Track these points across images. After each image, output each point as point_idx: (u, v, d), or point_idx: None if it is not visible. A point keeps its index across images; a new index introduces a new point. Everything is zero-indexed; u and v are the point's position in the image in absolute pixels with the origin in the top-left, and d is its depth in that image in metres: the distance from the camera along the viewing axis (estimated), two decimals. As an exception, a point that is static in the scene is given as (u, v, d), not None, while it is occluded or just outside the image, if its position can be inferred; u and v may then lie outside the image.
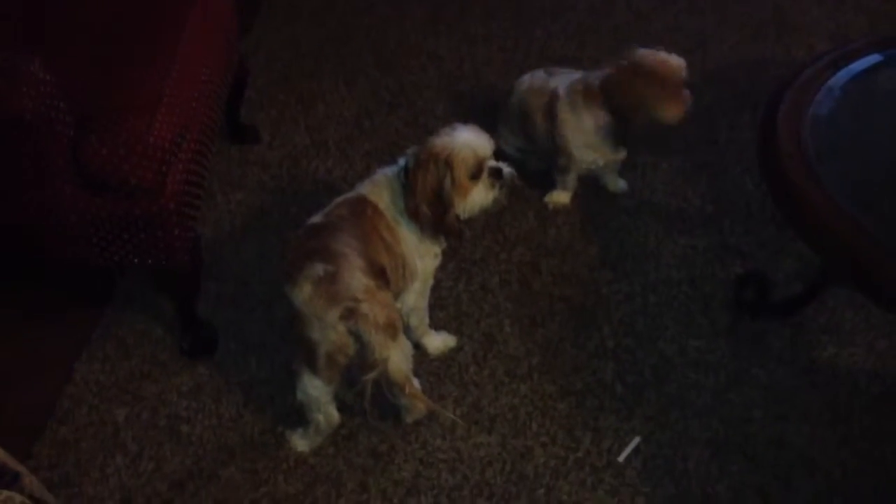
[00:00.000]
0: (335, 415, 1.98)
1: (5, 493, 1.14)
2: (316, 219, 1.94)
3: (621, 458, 2.01)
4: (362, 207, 1.94)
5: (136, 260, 1.99)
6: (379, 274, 1.88)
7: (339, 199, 1.98)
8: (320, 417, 1.97)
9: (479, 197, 1.94)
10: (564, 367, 2.19)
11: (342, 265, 1.80)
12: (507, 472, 2.00)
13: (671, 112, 2.30)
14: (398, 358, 1.82)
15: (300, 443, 2.04)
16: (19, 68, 1.69)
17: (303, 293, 1.78)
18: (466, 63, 3.03)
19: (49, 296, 2.33)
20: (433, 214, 1.91)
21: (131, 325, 2.27)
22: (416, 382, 1.94)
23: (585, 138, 2.40)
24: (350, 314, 1.75)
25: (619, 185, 2.61)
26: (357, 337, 1.78)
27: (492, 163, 1.94)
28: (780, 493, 1.95)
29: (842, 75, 2.05)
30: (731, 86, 2.93)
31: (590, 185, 2.61)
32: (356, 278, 1.80)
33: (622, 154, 2.48)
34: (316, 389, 1.90)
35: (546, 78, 2.50)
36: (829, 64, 2.08)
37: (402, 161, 1.97)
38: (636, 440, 2.04)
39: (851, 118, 1.99)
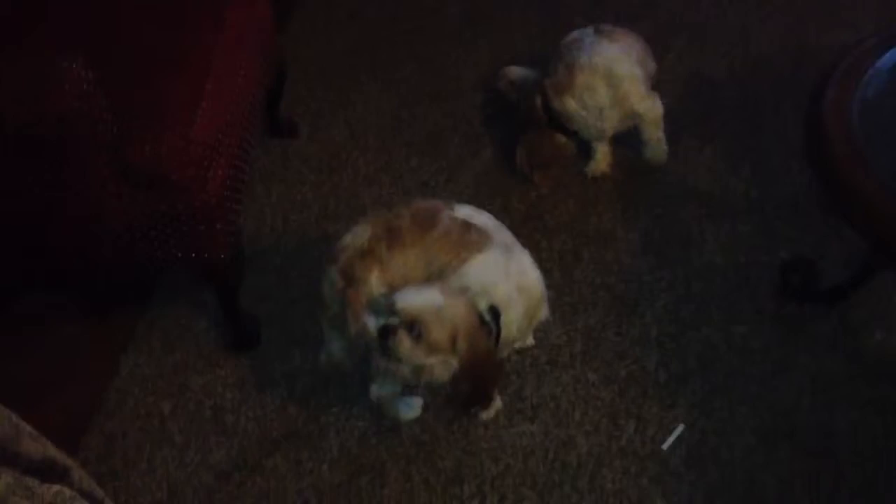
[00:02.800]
0: (336, 355, 2.04)
1: (56, 487, 1.16)
2: (438, 212, 1.93)
3: (665, 447, 2.00)
4: (458, 245, 1.90)
5: (179, 254, 2.01)
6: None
7: (461, 220, 1.93)
8: (327, 347, 2.06)
9: None
10: (607, 354, 2.17)
11: (380, 259, 1.85)
12: (550, 460, 2.00)
13: None
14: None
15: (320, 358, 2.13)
16: (62, 67, 1.71)
17: (342, 241, 1.92)
18: (505, 54, 3.01)
19: (94, 290, 2.37)
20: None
21: (175, 318, 2.30)
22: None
23: None
24: (345, 288, 1.86)
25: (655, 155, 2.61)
26: (341, 304, 1.88)
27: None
28: (828, 481, 1.92)
29: (889, 57, 2.00)
30: (774, 72, 2.88)
31: (631, 171, 2.59)
32: (373, 277, 1.85)
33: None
34: (321, 321, 2.03)
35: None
36: (876, 46, 2.03)
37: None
38: (680, 428, 2.02)
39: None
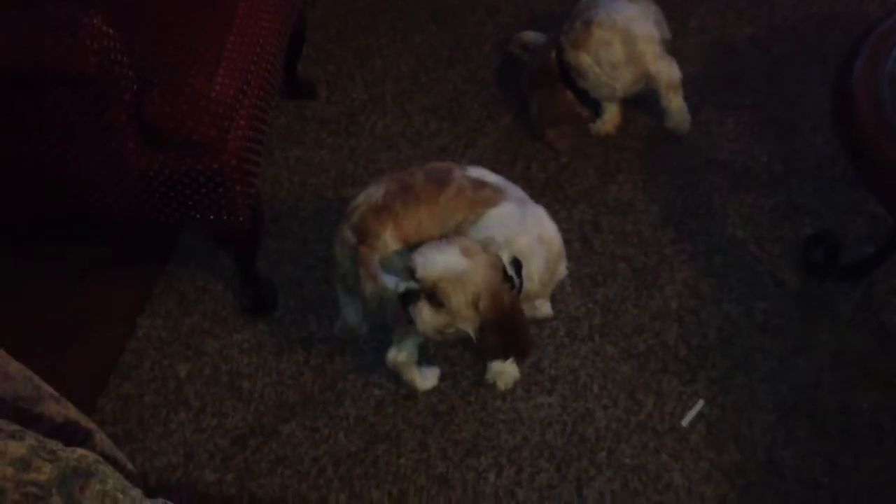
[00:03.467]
0: (350, 320, 2.09)
1: (79, 451, 1.14)
2: (453, 170, 1.94)
3: (685, 423, 1.98)
4: (473, 201, 1.90)
5: (197, 216, 1.99)
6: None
7: (474, 178, 1.93)
8: (341, 311, 2.10)
9: None
10: (626, 328, 2.15)
11: (395, 214, 1.85)
12: (568, 433, 1.98)
13: None
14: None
15: (336, 325, 2.16)
16: (83, 22, 1.68)
17: (356, 201, 1.92)
18: (525, 16, 2.97)
19: (111, 251, 2.35)
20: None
21: (192, 280, 2.28)
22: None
23: None
24: (357, 244, 1.86)
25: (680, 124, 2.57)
26: (353, 262, 1.88)
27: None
28: (848, 460, 1.91)
29: (921, 28, 1.96)
30: (799, 40, 2.84)
31: (653, 141, 2.55)
32: (388, 233, 1.85)
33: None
34: (336, 284, 2.05)
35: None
36: (906, 16, 1.99)
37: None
38: (700, 404, 2.01)
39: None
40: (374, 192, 1.89)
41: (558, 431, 1.99)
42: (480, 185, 1.91)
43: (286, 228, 2.38)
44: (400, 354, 1.97)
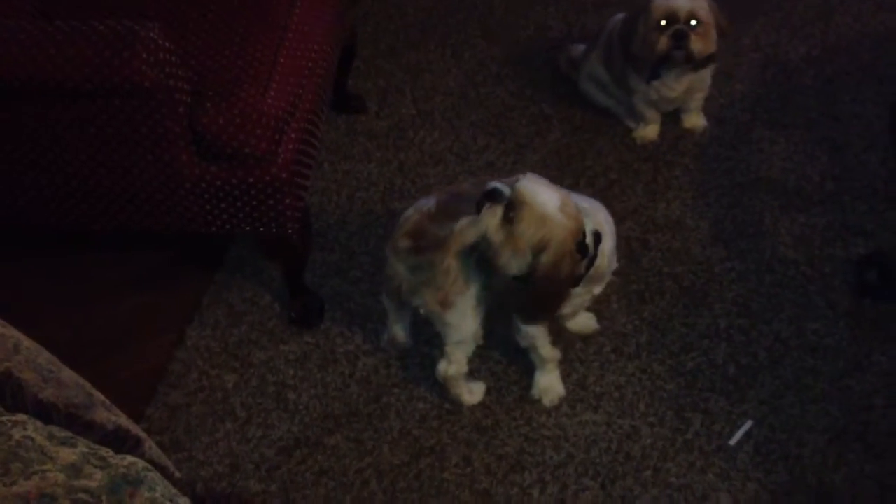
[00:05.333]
0: (398, 335, 2.11)
1: (129, 458, 1.15)
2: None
3: (733, 442, 1.95)
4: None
5: (247, 228, 2.02)
6: None
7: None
8: (390, 327, 2.11)
9: None
10: (674, 346, 2.13)
11: (453, 216, 1.81)
12: (613, 451, 1.97)
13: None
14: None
15: (382, 338, 2.17)
16: (139, 35, 1.71)
17: (406, 213, 1.91)
18: (575, 33, 2.97)
19: (161, 260, 2.38)
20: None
21: (240, 292, 2.30)
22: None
23: None
24: (412, 248, 1.84)
25: (697, 122, 2.62)
26: (414, 270, 1.86)
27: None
28: (902, 485, 1.87)
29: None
30: (854, 58, 2.80)
31: (702, 158, 2.53)
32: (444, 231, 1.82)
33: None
34: (385, 300, 2.06)
35: None
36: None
37: None
38: (748, 424, 1.97)
39: None
40: (426, 203, 1.89)
41: (603, 449, 1.97)
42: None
43: (334, 241, 2.39)
44: (450, 367, 1.97)
